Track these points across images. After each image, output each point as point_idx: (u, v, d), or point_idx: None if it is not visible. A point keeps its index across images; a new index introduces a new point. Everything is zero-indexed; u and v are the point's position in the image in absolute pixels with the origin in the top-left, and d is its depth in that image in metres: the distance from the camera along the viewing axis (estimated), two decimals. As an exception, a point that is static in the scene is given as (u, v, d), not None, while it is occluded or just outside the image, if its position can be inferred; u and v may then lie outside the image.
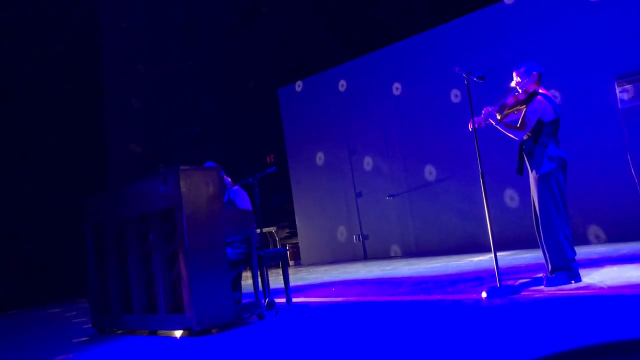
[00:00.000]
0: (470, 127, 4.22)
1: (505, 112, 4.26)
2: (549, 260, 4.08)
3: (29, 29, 11.31)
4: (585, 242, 6.53)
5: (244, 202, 4.97)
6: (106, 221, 5.01)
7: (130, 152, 12.03)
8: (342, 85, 9.64)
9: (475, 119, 4.23)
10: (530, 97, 4.15)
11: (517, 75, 4.26)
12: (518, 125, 4.15)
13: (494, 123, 4.23)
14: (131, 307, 4.66)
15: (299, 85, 10.40)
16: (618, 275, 4.10)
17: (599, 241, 6.50)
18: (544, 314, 3.26)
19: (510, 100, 4.22)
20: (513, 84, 4.29)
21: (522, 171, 4.28)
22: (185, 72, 13.30)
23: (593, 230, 6.67)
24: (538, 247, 4.23)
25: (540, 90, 4.18)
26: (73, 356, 4.01)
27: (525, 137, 4.19)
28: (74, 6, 11.79)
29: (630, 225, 6.40)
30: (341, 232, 9.65)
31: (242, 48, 13.60)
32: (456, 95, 7.98)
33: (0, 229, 10.45)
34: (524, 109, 4.14)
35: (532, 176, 4.16)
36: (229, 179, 5.15)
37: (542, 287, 4.03)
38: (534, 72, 4.20)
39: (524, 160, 4.24)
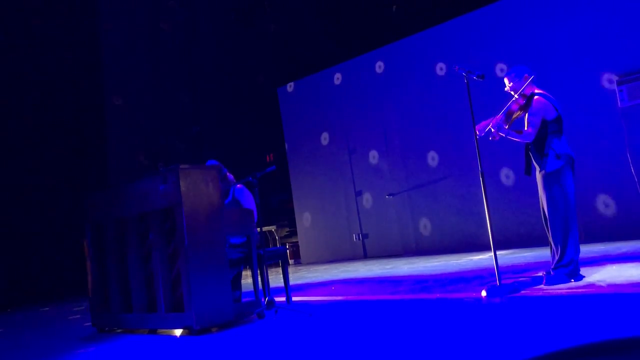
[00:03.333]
0: (478, 133, 4.19)
1: (513, 118, 4.24)
2: (555, 257, 4.08)
3: (28, 28, 11.31)
4: (585, 240, 6.51)
5: (249, 202, 4.97)
6: (106, 220, 5.00)
7: (130, 151, 12.03)
8: (340, 82, 9.63)
9: (491, 134, 4.22)
10: (529, 99, 4.17)
11: (509, 80, 4.30)
12: (524, 130, 4.17)
13: (503, 135, 4.22)
14: (131, 306, 4.67)
15: (290, 86, 10.43)
16: (618, 274, 4.10)
17: (599, 240, 6.49)
18: (543, 312, 3.26)
19: (514, 106, 4.22)
20: (506, 89, 4.32)
21: (530, 172, 4.29)
22: (185, 71, 13.29)
23: (593, 228, 6.66)
24: (538, 246, 4.23)
25: (536, 91, 4.20)
26: (73, 355, 4.01)
27: None
28: (74, 5, 11.79)
29: (630, 224, 6.41)
30: (341, 231, 9.65)
31: (242, 47, 13.59)
32: (456, 95, 7.97)
33: (-1, 228, 10.47)
34: (526, 112, 4.16)
35: (539, 175, 4.17)
36: (232, 176, 5.13)
37: (541, 285, 4.03)
38: (525, 75, 4.23)
39: (531, 161, 4.25)
